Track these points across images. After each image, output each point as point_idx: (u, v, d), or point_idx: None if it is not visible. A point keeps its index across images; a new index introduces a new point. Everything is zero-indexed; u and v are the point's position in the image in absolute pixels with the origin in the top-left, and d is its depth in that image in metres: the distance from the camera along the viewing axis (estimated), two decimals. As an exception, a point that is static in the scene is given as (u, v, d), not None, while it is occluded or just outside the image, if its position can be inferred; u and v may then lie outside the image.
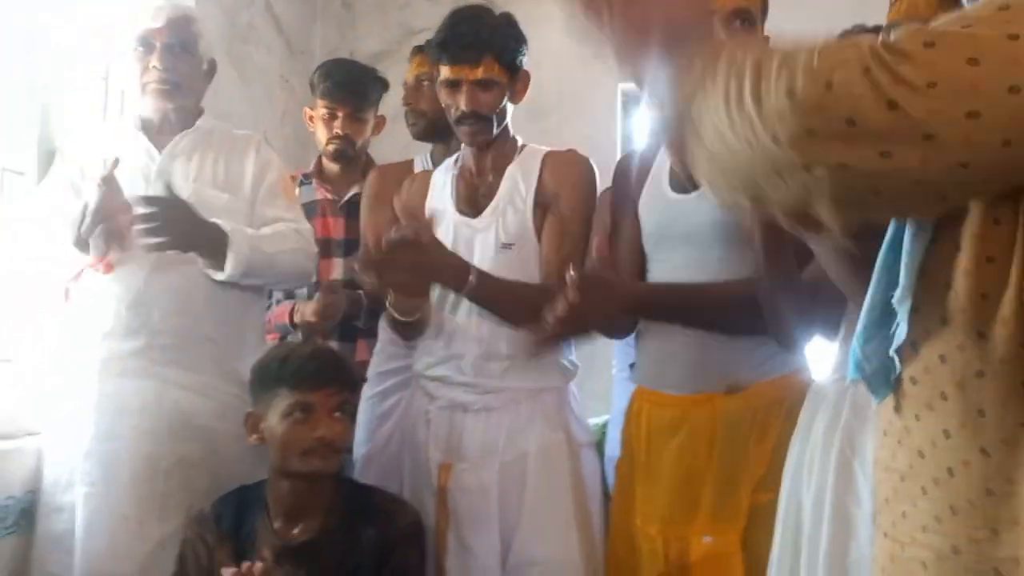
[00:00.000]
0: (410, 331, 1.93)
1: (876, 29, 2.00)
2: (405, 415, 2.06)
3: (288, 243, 2.01)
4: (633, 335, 1.90)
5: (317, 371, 1.77)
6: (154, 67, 1.96)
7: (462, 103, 1.81)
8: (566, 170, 1.90)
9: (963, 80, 0.62)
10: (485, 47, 1.79)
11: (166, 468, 1.88)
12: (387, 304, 1.84)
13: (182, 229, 1.85)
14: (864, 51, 0.66)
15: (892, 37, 0.67)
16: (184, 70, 2.00)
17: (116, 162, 1.83)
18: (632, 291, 1.74)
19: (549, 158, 1.92)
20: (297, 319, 2.37)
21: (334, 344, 2.39)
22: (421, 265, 1.71)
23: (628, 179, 1.84)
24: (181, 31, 1.99)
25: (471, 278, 1.74)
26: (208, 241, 1.89)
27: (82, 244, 1.86)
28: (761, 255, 1.51)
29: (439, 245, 1.76)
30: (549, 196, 1.88)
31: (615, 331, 1.90)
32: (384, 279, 1.73)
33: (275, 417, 1.77)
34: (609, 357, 2.60)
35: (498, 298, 1.79)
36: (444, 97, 1.86)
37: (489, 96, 1.82)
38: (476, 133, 1.86)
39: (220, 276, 1.93)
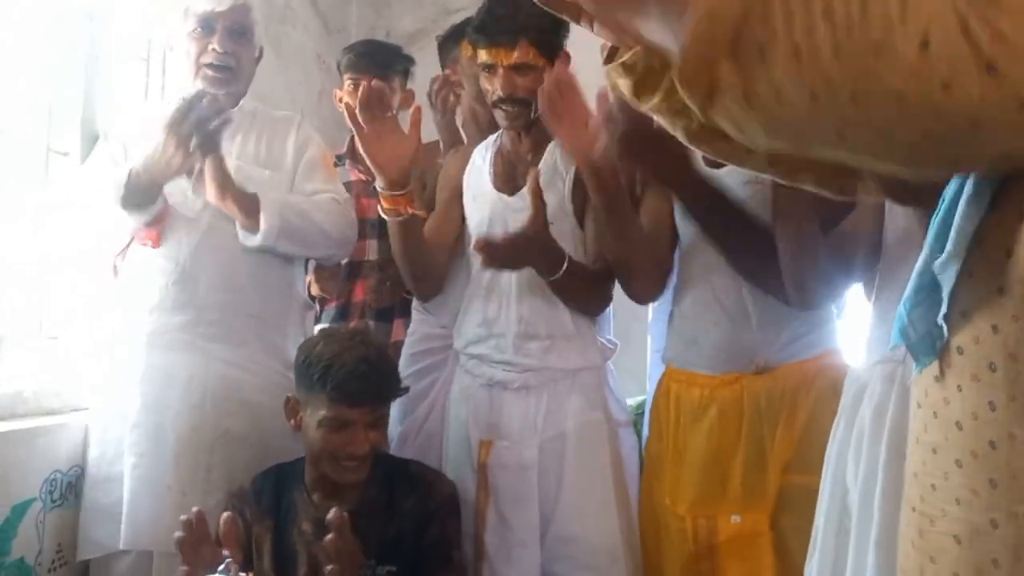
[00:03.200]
0: (427, 285, 1.99)
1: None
2: (445, 392, 2.08)
3: (324, 208, 2.04)
4: (666, 317, 1.90)
5: (358, 391, 1.75)
6: (213, 49, 1.98)
7: (499, 87, 1.81)
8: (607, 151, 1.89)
9: None
10: (521, 31, 1.78)
11: (211, 441, 1.92)
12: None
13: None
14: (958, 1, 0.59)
15: None
16: (241, 55, 2.03)
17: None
18: (689, 162, 1.62)
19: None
20: (313, 291, 2.41)
21: (370, 323, 2.42)
22: (529, 248, 1.75)
23: None
24: (242, 17, 2.02)
25: (564, 267, 1.77)
26: (243, 195, 1.92)
27: (128, 202, 1.86)
28: (778, 205, 1.51)
29: (547, 228, 1.77)
30: None
31: (646, 282, 1.86)
32: (493, 262, 1.79)
33: (312, 419, 1.78)
34: (643, 336, 2.60)
35: (576, 285, 1.83)
36: (482, 80, 1.87)
37: (526, 80, 1.82)
38: (514, 117, 1.86)
39: (254, 241, 1.95)
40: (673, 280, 1.89)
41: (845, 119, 0.63)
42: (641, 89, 0.84)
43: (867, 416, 1.39)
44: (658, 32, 0.72)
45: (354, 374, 1.74)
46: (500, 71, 1.81)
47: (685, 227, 1.81)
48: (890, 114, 0.61)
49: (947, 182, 0.80)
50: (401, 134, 1.82)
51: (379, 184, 1.84)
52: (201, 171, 1.92)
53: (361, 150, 1.82)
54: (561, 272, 1.78)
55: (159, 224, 1.94)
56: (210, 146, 1.87)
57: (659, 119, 0.84)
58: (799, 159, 0.93)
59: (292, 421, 1.84)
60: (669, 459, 1.77)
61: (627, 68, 0.85)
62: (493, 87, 1.83)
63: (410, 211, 1.85)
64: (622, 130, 1.52)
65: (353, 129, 1.83)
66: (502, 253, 1.75)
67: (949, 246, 0.76)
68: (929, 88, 0.59)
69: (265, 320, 2.02)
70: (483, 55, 1.82)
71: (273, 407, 1.89)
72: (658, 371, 2.02)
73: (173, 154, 1.82)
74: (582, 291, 1.87)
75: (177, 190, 1.97)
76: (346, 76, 2.51)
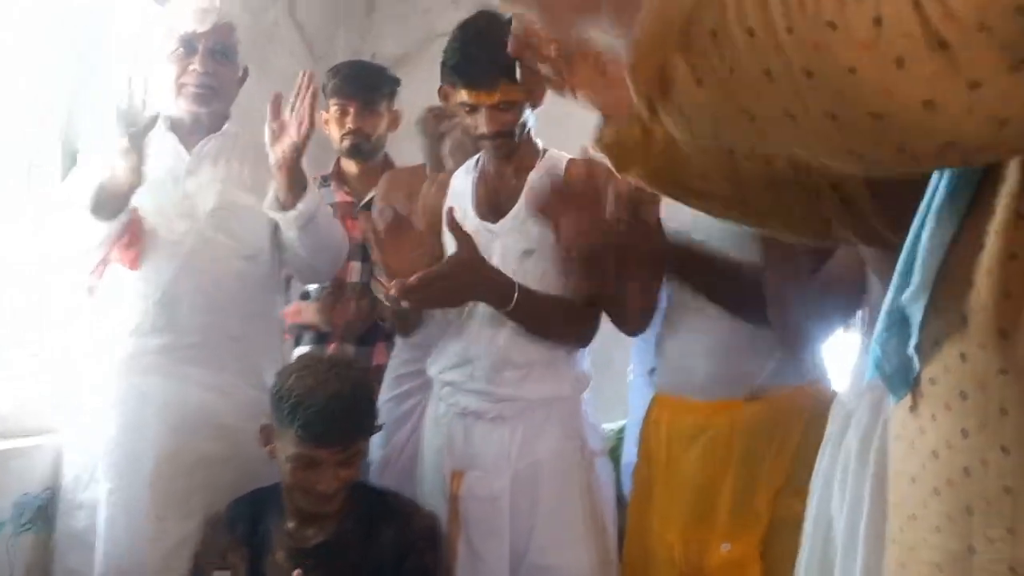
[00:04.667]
0: (408, 324, 1.93)
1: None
2: (422, 419, 2.06)
3: (337, 223, 2.08)
4: (653, 341, 1.89)
5: (326, 432, 1.70)
6: (194, 70, 1.97)
7: (482, 126, 1.80)
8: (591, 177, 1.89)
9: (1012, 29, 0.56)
10: (501, 71, 1.73)
11: (188, 466, 1.89)
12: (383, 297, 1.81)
13: None
14: None
15: None
16: (223, 76, 2.02)
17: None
18: (667, 237, 1.66)
19: (572, 164, 1.91)
20: (303, 319, 2.39)
21: (351, 348, 2.40)
22: (465, 282, 1.73)
23: None
24: (224, 37, 2.02)
25: (515, 297, 1.75)
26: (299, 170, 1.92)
27: (97, 211, 1.83)
28: (766, 249, 1.51)
29: (483, 261, 1.76)
30: None
31: (633, 319, 1.86)
32: (423, 303, 1.74)
33: (282, 452, 1.75)
34: (626, 361, 2.59)
35: (536, 315, 1.81)
36: (463, 116, 1.85)
37: (509, 116, 1.80)
38: (499, 148, 1.85)
39: (285, 217, 1.93)
40: (662, 304, 1.89)
41: (799, 96, 0.62)
42: (624, 164, 0.88)
43: (853, 445, 1.38)
44: (612, 36, 0.72)
45: (323, 414, 1.69)
46: (483, 110, 1.79)
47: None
48: (843, 91, 0.61)
49: (913, 222, 0.81)
50: (417, 239, 1.81)
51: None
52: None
53: (378, 260, 1.81)
54: (512, 304, 1.75)
55: (136, 245, 1.92)
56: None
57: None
58: (765, 202, 0.94)
59: (267, 448, 1.81)
60: (659, 485, 1.76)
61: (608, 146, 0.87)
62: (476, 124, 1.82)
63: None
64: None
65: (374, 246, 1.81)
66: (422, 292, 1.70)
67: (915, 278, 0.77)
68: (883, 63, 0.59)
69: (246, 344, 2.00)
70: (463, 95, 1.80)
71: (253, 431, 1.86)
72: (638, 395, 2.02)
73: (124, 168, 1.79)
74: (550, 323, 1.84)
75: (159, 212, 1.95)
76: (332, 101, 2.50)
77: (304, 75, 1.84)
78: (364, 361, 2.41)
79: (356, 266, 2.45)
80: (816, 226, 0.97)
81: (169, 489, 1.87)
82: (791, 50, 0.61)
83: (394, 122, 2.59)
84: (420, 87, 2.63)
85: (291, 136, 1.84)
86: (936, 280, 0.74)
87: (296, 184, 1.91)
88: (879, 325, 0.83)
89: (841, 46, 0.59)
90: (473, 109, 1.80)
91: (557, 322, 1.85)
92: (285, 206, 1.93)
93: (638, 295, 1.81)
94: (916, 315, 0.76)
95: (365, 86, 2.49)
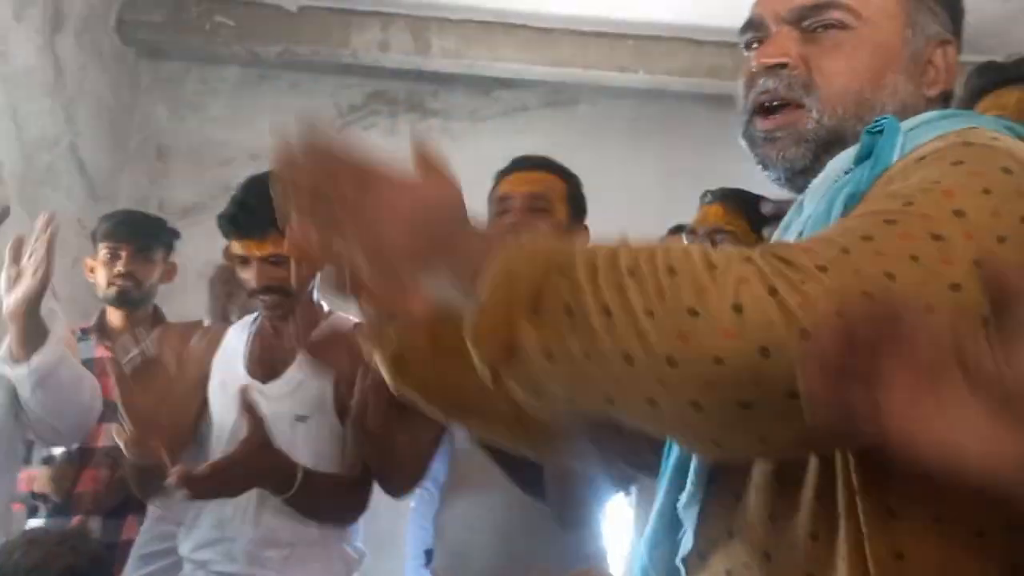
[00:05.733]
0: (148, 487, 1.75)
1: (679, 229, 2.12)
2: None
3: (90, 377, 1.94)
4: (430, 520, 1.80)
5: None
6: None
7: (253, 280, 1.74)
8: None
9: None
10: (271, 222, 1.65)
11: None
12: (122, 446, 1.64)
13: None
14: (762, 264, 0.60)
15: (776, 247, 0.63)
16: None
17: None
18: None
19: (360, 329, 1.84)
20: (35, 487, 2.16)
21: (97, 521, 2.15)
22: (251, 473, 1.61)
23: None
24: None
25: (298, 480, 1.63)
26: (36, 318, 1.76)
27: None
28: None
29: (273, 448, 1.63)
30: None
31: (401, 477, 1.77)
32: (205, 493, 1.60)
33: None
34: (401, 538, 2.47)
35: (314, 498, 1.68)
36: (238, 271, 1.79)
37: (280, 270, 1.74)
38: (273, 306, 1.78)
39: (18, 370, 1.76)
40: (440, 481, 1.81)
41: (662, 383, 0.60)
42: (402, 374, 0.84)
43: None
44: (445, 290, 0.67)
45: None
46: (253, 263, 1.73)
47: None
48: (710, 380, 0.59)
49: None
50: (166, 387, 1.66)
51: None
52: None
53: (121, 403, 1.63)
54: (295, 489, 1.64)
55: None
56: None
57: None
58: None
59: None
60: None
61: (391, 355, 0.83)
62: (248, 277, 1.75)
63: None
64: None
65: (117, 387, 1.63)
66: (209, 483, 1.58)
67: (689, 485, 0.75)
68: (748, 352, 0.58)
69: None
70: (235, 247, 1.75)
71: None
72: (415, 576, 1.91)
73: None
74: (329, 503, 1.73)
75: None
76: (103, 244, 2.38)
77: (43, 218, 1.71)
78: (111, 535, 2.18)
79: (109, 428, 2.23)
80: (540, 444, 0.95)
81: None
82: (653, 336, 0.59)
83: (168, 274, 2.48)
84: (210, 237, 2.53)
85: (25, 282, 1.70)
86: (706, 489, 0.74)
87: (30, 335, 1.76)
88: (647, 531, 0.81)
89: (705, 335, 0.58)
90: (244, 262, 1.74)
91: (333, 501, 1.74)
92: (17, 359, 1.76)
93: (409, 451, 1.72)
94: (690, 522, 0.75)
95: (141, 231, 2.40)
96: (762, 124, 0.84)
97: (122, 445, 1.64)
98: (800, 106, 0.81)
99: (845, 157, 0.77)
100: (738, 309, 0.58)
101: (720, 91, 2.93)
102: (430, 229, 0.65)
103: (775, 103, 0.83)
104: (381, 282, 0.66)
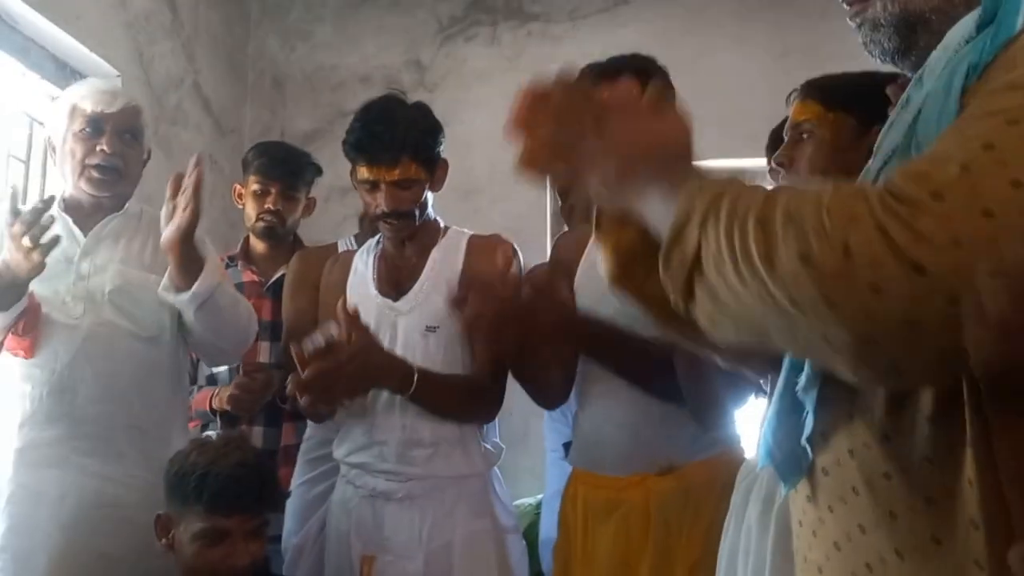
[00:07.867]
0: (319, 414, 1.90)
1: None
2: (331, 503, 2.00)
3: (245, 302, 2.03)
4: (570, 417, 1.89)
5: (236, 497, 1.67)
6: (101, 150, 1.93)
7: (382, 204, 1.80)
8: (490, 256, 1.90)
9: (982, 235, 0.58)
10: (401, 148, 1.76)
11: (87, 563, 1.79)
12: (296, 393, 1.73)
13: None
14: (875, 204, 0.61)
15: (893, 180, 0.63)
16: (129, 157, 1.99)
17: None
18: (580, 313, 1.69)
19: (473, 242, 1.92)
20: (215, 405, 2.31)
21: (259, 429, 2.33)
22: (362, 371, 1.70)
23: (564, 256, 1.85)
24: (132, 119, 2.00)
25: (415, 380, 1.73)
26: (193, 252, 1.86)
27: None
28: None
29: (379, 349, 1.74)
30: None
31: (550, 392, 1.85)
32: (324, 397, 1.70)
33: (186, 534, 1.69)
34: (542, 434, 2.58)
35: (438, 396, 1.79)
36: (363, 195, 1.85)
37: (408, 194, 1.81)
38: (399, 229, 1.86)
39: (179, 299, 1.87)
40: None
41: (792, 321, 0.64)
42: (621, 278, 0.92)
43: (753, 514, 1.39)
44: (653, 216, 0.76)
45: (231, 479, 1.67)
46: (383, 187, 1.79)
47: None
48: (825, 318, 0.62)
49: None
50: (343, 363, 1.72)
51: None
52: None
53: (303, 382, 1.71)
54: (412, 388, 1.75)
55: (31, 333, 1.84)
56: None
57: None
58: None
59: (164, 540, 1.73)
60: (577, 561, 1.74)
61: (613, 249, 0.91)
62: (376, 202, 1.81)
63: None
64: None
65: (299, 366, 1.69)
66: (321, 385, 1.66)
67: (807, 368, 0.78)
68: (858, 292, 0.60)
69: (147, 432, 1.92)
70: (363, 172, 1.80)
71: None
72: (554, 469, 2.00)
73: (25, 255, 1.72)
74: (453, 403, 1.82)
75: (55, 295, 1.89)
76: (254, 177, 2.50)
77: (194, 159, 1.82)
78: (271, 443, 2.36)
79: (265, 346, 2.40)
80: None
81: (65, 588, 1.77)
82: (773, 283, 0.64)
83: (308, 208, 2.60)
84: (329, 162, 2.64)
85: (178, 216, 1.80)
86: (825, 371, 0.75)
87: (187, 265, 1.86)
88: (768, 413, 0.83)
89: (816, 278, 0.62)
90: (373, 186, 1.81)
91: (459, 401, 1.84)
92: (179, 288, 1.88)
93: (553, 368, 1.80)
94: (810, 403, 0.77)
95: (290, 171, 2.50)
96: (848, 11, 0.85)
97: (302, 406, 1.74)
98: None
99: (965, 25, 0.74)
100: (847, 252, 0.60)
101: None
102: (660, 154, 0.75)
103: None
104: (612, 194, 0.78)
